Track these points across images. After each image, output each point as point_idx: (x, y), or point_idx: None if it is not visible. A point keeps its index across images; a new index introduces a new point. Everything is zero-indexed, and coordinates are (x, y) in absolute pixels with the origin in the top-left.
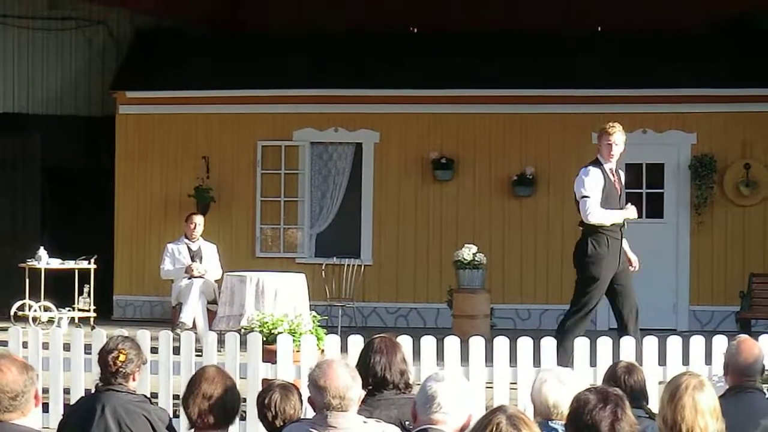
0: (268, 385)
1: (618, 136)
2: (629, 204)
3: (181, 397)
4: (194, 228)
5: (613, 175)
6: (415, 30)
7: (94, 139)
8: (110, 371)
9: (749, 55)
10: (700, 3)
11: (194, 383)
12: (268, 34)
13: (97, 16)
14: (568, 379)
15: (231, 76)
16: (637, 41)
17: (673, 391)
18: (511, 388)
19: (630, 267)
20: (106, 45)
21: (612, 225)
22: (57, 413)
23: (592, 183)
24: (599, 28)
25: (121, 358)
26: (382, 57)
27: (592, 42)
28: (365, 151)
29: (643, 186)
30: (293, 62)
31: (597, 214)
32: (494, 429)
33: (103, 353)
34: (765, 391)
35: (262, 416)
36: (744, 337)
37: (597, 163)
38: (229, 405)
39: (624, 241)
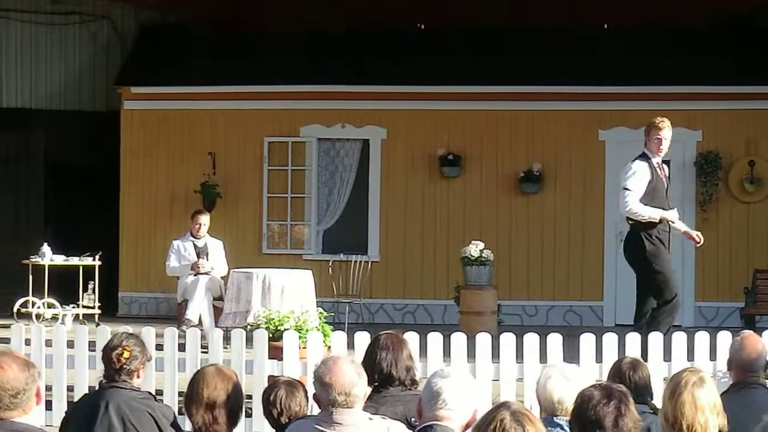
0: (273, 382)
1: (667, 131)
2: (675, 209)
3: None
4: (199, 229)
5: (660, 168)
6: (423, 27)
7: (98, 134)
8: (114, 368)
9: (751, 54)
10: (703, 1)
11: (194, 389)
12: (269, 34)
13: (101, 11)
14: (573, 375)
15: (231, 76)
16: (641, 38)
17: (674, 387)
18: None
19: (696, 244)
20: (111, 40)
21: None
22: (60, 411)
23: (637, 176)
24: (605, 26)
25: (125, 354)
26: (389, 54)
27: (597, 39)
28: (372, 148)
29: None
30: (294, 62)
31: (633, 208)
32: (498, 425)
33: (107, 350)
34: None
35: (268, 413)
36: (747, 332)
37: (645, 157)
38: (233, 408)
39: (680, 224)
